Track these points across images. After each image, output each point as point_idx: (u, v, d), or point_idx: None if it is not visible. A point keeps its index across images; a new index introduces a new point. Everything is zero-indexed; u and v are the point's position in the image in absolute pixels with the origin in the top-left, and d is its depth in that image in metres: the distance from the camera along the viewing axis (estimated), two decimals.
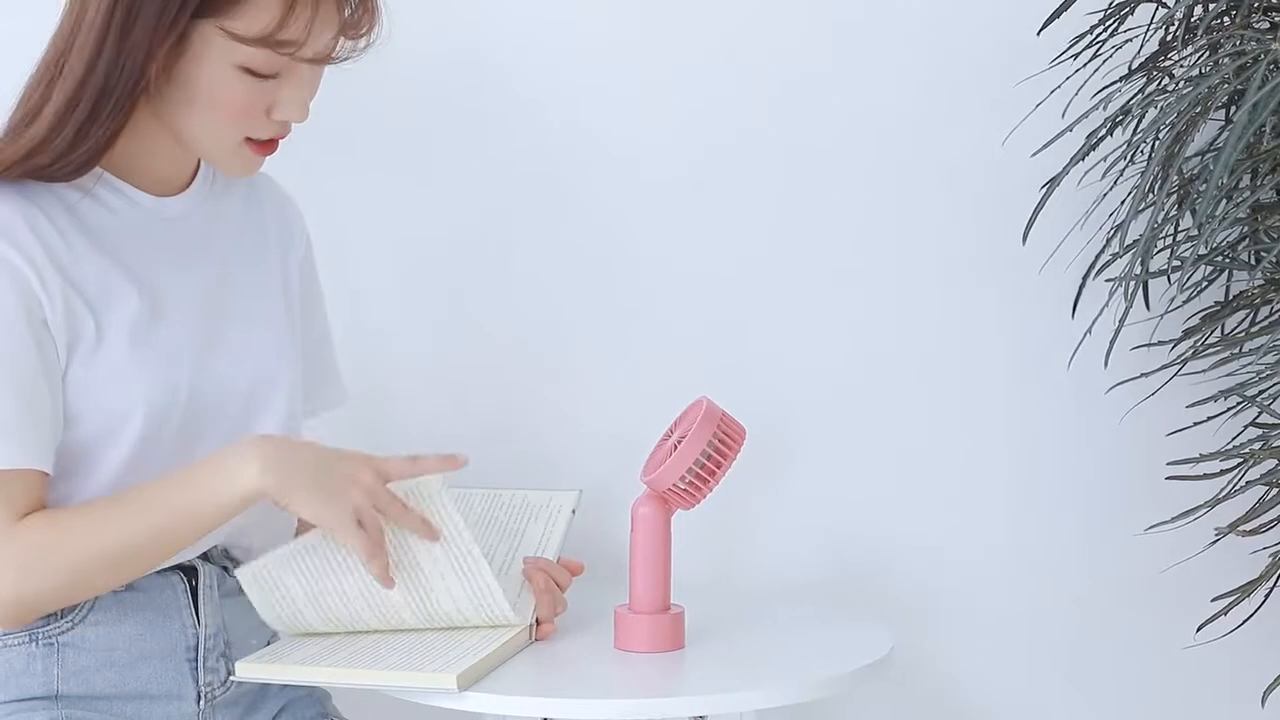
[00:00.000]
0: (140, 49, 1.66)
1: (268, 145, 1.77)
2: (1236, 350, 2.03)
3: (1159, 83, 2.03)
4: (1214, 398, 2.05)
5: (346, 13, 1.72)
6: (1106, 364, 2.07)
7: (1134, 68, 2.05)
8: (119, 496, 1.71)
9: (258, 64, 1.70)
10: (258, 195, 1.92)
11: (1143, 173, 1.95)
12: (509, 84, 2.25)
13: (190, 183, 1.83)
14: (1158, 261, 2.06)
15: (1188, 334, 2.13)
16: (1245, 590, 2.01)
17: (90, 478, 1.73)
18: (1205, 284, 2.13)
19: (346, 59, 1.76)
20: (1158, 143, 1.99)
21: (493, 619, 1.81)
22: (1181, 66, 2.02)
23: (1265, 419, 2.06)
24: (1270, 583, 2.02)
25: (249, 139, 1.75)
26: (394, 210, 2.26)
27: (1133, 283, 1.97)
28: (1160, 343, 2.16)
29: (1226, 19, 1.97)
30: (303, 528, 1.88)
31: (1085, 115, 1.98)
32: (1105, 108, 1.98)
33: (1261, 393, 1.99)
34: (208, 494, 1.69)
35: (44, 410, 1.69)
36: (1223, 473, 2.02)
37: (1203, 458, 2.04)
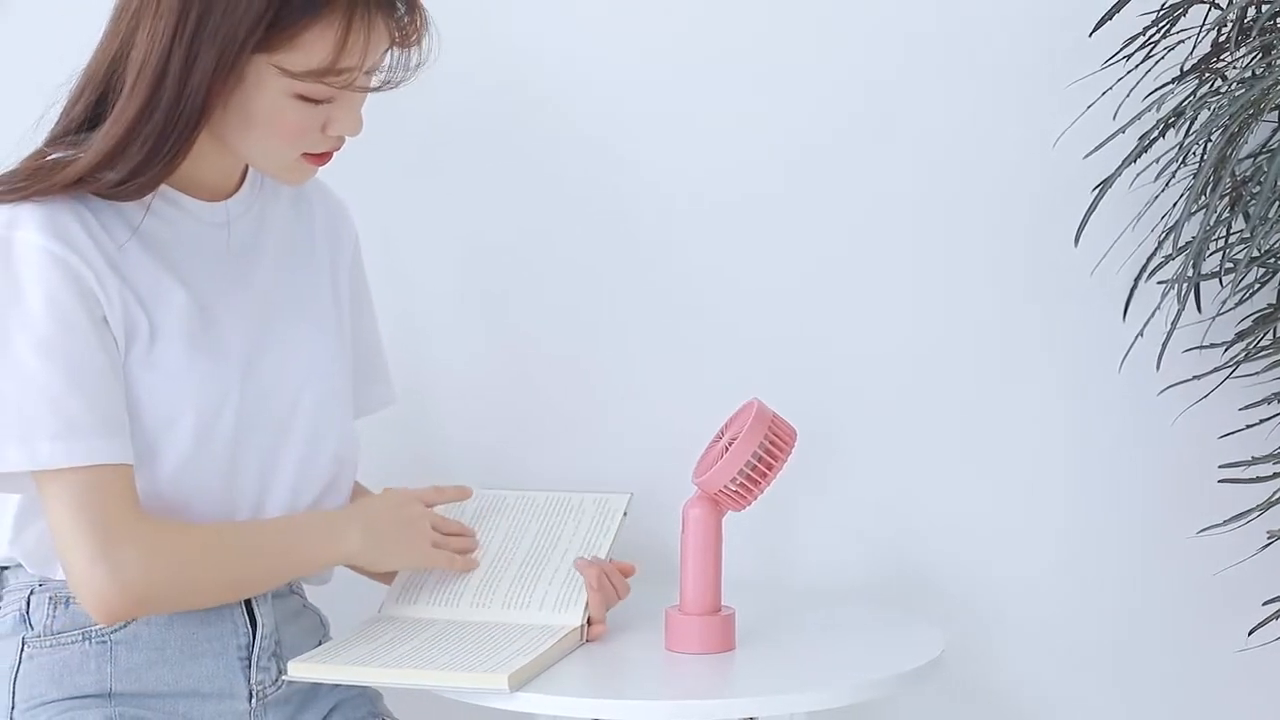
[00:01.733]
0: (200, 92, 1.67)
1: (323, 156, 1.79)
2: None
3: (1212, 84, 2.03)
4: (1266, 400, 2.04)
5: (394, 25, 1.73)
6: (1159, 366, 2.06)
7: (1186, 69, 2.04)
8: (226, 526, 1.76)
9: (315, 92, 1.71)
10: (306, 197, 1.93)
11: (1195, 175, 1.94)
12: (561, 88, 2.25)
13: (238, 187, 1.84)
14: (1210, 264, 2.05)
15: (1240, 336, 2.12)
16: None
17: (148, 475, 1.73)
18: (1258, 286, 2.12)
19: (401, 81, 1.77)
20: (1210, 145, 1.98)
21: (555, 618, 1.85)
22: (1234, 68, 2.01)
23: None
24: None
25: (305, 153, 1.77)
26: (443, 211, 2.27)
27: (1185, 285, 1.96)
28: (1212, 345, 2.15)
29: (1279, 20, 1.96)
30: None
31: (1137, 117, 1.97)
32: (1158, 109, 1.97)
33: None
34: (312, 553, 1.81)
35: (121, 405, 1.71)
36: (1276, 475, 2.01)
37: (1255, 460, 2.03)
